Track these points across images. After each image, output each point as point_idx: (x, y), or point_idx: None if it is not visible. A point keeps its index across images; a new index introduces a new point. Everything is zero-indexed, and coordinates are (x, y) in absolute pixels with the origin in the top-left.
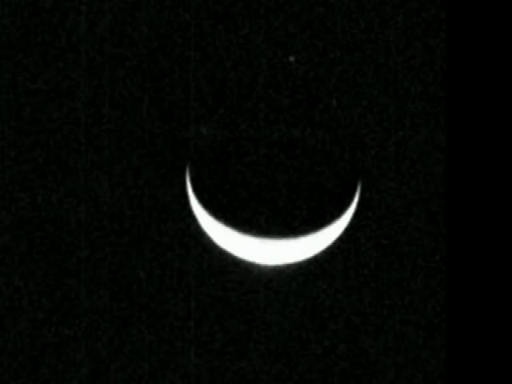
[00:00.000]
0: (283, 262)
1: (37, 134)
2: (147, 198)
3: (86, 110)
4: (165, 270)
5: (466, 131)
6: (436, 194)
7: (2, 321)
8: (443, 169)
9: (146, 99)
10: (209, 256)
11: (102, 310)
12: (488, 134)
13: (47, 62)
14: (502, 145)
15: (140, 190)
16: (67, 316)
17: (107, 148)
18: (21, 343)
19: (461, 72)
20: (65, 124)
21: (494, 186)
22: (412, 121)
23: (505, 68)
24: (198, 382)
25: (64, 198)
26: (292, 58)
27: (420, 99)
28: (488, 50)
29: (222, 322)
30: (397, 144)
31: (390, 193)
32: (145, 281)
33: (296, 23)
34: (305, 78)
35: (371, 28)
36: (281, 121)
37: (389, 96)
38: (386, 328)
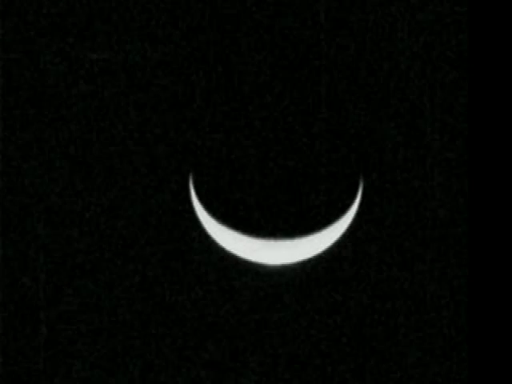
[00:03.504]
0: (286, 261)
1: (37, 133)
2: (150, 199)
3: (87, 111)
4: (167, 270)
5: (475, 133)
6: (439, 194)
7: (2, 320)
8: (447, 169)
9: (147, 101)
10: (211, 256)
11: (102, 310)
12: (494, 136)
13: (47, 62)
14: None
15: (143, 191)
16: (67, 316)
17: (108, 149)
18: (21, 343)
19: (464, 71)
20: (65, 124)
21: (502, 188)
22: (416, 122)
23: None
24: (199, 382)
25: (64, 199)
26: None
27: (424, 101)
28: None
29: (223, 322)
30: (400, 145)
31: (392, 193)
32: (146, 281)
33: (295, 21)
34: (307, 77)
35: (374, 27)
36: (283, 121)
37: (392, 98)
38: (389, 327)
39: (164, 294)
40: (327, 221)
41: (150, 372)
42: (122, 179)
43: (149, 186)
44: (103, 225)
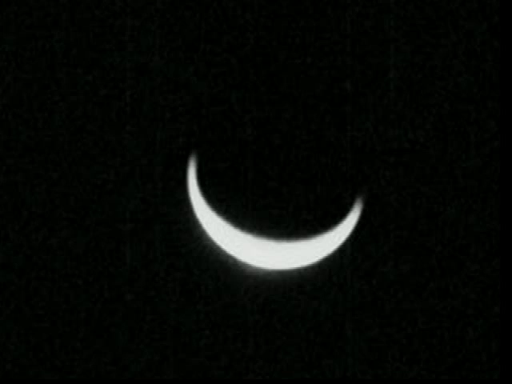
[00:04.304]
0: (288, 266)
1: (36, 133)
2: (148, 198)
3: (85, 107)
4: (164, 271)
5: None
6: (441, 197)
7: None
8: (447, 173)
9: (145, 96)
10: (215, 260)
11: (101, 310)
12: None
13: (47, 62)
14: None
15: (141, 190)
16: (67, 316)
17: (106, 147)
18: (20, 341)
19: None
20: (64, 122)
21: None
22: (416, 125)
23: None
24: (196, 382)
25: (63, 197)
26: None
27: (421, 104)
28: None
29: (221, 324)
30: (401, 149)
31: (394, 198)
32: (144, 280)
33: (298, 22)
34: (312, 80)
35: (375, 29)
36: (286, 122)
37: (392, 100)
38: (390, 331)
39: (156, 291)
40: (330, 225)
41: (142, 371)
42: (117, 177)
43: (145, 184)
44: (97, 222)
